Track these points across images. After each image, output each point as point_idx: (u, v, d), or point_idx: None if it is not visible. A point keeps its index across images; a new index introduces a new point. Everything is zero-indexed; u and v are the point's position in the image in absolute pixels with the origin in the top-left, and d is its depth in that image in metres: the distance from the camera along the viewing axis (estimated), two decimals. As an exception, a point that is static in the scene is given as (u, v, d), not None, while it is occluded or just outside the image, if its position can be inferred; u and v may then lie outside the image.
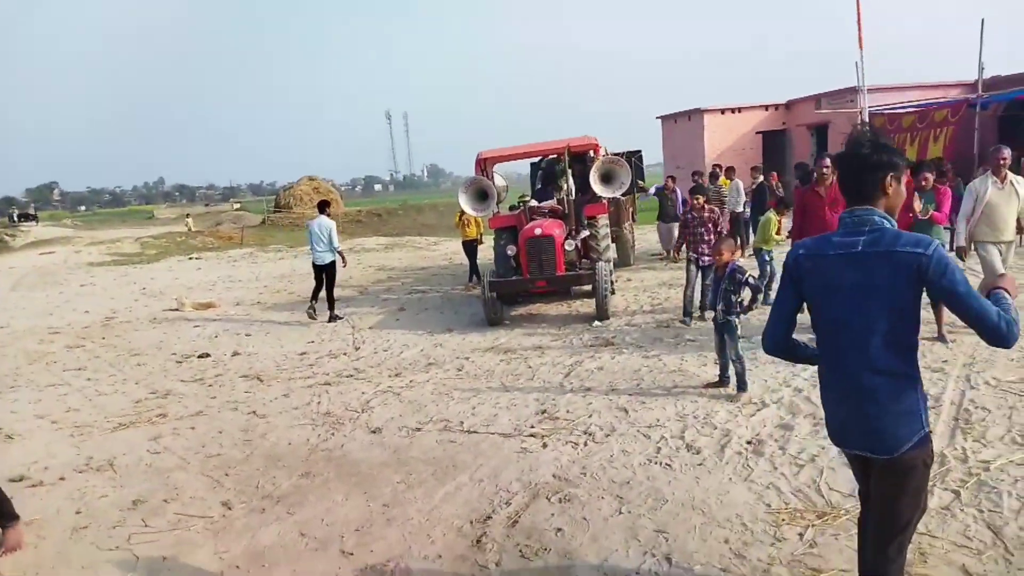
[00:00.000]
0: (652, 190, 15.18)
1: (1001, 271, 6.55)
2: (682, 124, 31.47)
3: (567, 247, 8.89)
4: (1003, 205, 6.69)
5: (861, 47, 16.43)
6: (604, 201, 10.03)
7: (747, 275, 5.94)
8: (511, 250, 9.20)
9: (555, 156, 10.62)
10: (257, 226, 41.30)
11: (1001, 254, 6.82)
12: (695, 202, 8.61)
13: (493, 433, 5.53)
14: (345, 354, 8.81)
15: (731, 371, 6.00)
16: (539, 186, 11.28)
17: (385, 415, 6.23)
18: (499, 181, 10.47)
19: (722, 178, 13.21)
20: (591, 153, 10.32)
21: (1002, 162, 6.66)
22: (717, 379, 6.19)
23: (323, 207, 11.14)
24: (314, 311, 10.85)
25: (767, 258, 9.03)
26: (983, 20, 19.16)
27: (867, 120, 17.45)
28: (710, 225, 8.48)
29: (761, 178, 13.45)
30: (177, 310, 12.94)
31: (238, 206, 79.18)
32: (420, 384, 7.16)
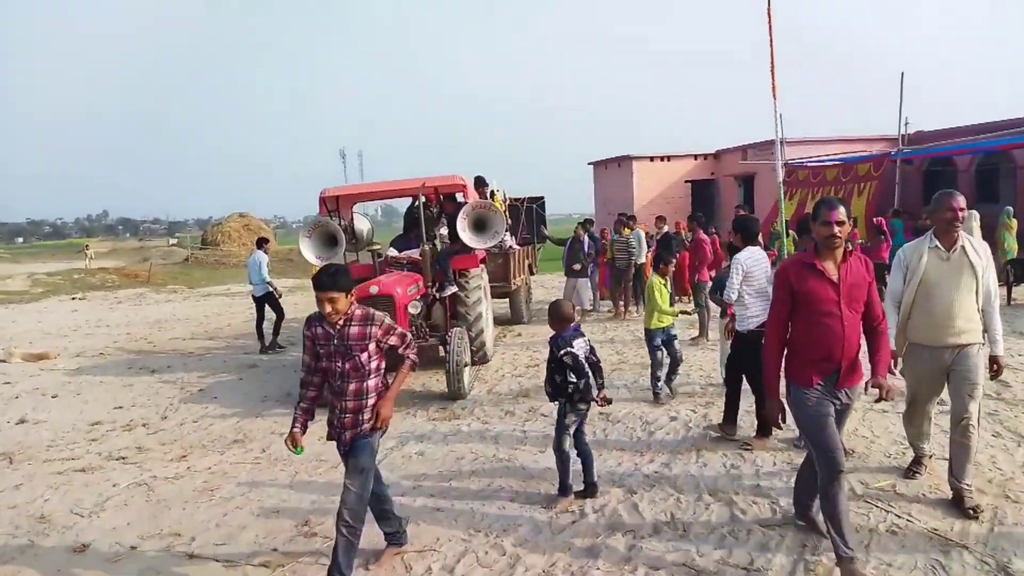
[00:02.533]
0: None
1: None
2: (612, 171, 30.96)
3: (411, 309, 7.23)
4: (947, 285, 4.10)
5: (775, 97, 15.83)
6: (476, 253, 8.64)
7: (565, 350, 4.55)
8: None
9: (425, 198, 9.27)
10: (180, 263, 39.26)
11: (944, 364, 4.19)
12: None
13: (218, 560, 4.17)
14: (144, 425, 7.37)
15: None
16: (403, 233, 9.53)
17: (112, 523, 4.82)
18: (360, 223, 8.96)
19: (626, 228, 12.23)
20: (461, 196, 8.88)
21: (953, 217, 4.03)
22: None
23: (260, 243, 11.75)
24: (263, 342, 11.17)
25: (658, 342, 6.96)
26: (903, 74, 19.02)
27: (784, 173, 16.86)
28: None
29: (666, 227, 12.55)
30: (3, 361, 11.25)
31: (175, 241, 76.37)
32: (195, 473, 5.78)
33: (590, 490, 4.69)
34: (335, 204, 8.22)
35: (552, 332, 4.70)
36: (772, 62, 16.13)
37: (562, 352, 4.55)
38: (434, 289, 8.07)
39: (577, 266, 11.73)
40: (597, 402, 4.62)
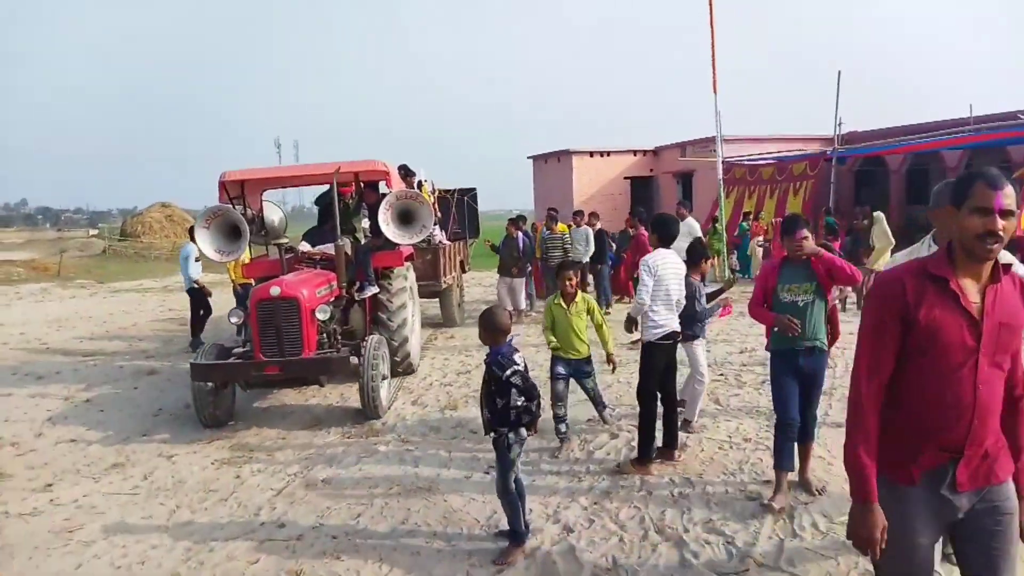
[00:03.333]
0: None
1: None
2: (552, 165, 30.50)
3: (320, 314, 6.28)
4: None
5: (715, 91, 15.64)
6: (401, 248, 7.73)
7: (509, 371, 3.79)
8: (236, 316, 6.53)
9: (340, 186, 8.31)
10: (97, 255, 36.96)
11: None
12: None
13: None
14: (13, 444, 6.37)
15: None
16: (317, 225, 8.41)
17: (-67, 580, 3.92)
18: (271, 213, 8.05)
19: (560, 224, 11.61)
20: (383, 184, 7.95)
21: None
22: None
23: (191, 233, 10.11)
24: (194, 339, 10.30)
25: (560, 372, 5.60)
26: (840, 72, 19.03)
27: (722, 170, 16.64)
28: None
29: (599, 224, 12.01)
30: None
31: (95, 232, 72.51)
32: (57, 507, 4.89)
33: (518, 537, 3.95)
34: (239, 190, 7.23)
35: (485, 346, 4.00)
36: (713, 55, 16.02)
37: (508, 372, 3.79)
38: (353, 290, 7.25)
39: (515, 270, 11.03)
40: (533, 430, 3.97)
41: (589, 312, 5.56)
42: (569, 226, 11.78)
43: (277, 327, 6.16)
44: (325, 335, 6.49)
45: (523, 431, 3.90)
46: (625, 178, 28.90)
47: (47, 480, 5.46)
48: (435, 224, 9.84)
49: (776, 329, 4.30)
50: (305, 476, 5.27)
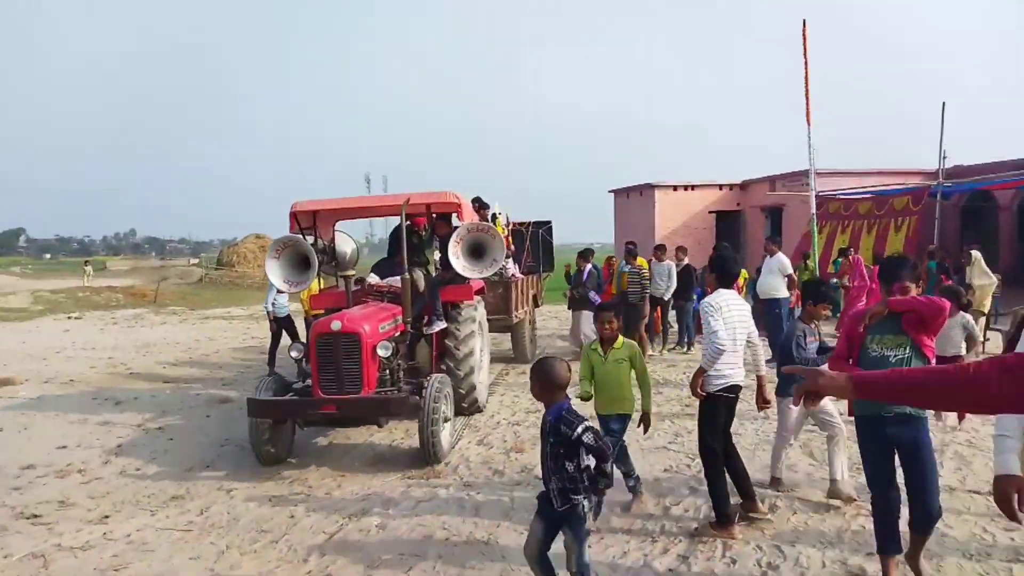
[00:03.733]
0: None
1: None
2: (634, 199, 30.00)
3: (382, 351, 5.94)
4: None
5: (809, 122, 14.84)
6: (471, 282, 7.40)
7: (580, 427, 3.24)
8: (296, 351, 6.34)
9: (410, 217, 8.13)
10: (194, 283, 38.79)
11: None
12: None
13: None
14: (80, 472, 6.40)
15: None
16: (387, 257, 8.26)
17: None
18: (344, 244, 7.81)
19: (639, 258, 11.12)
20: (456, 217, 7.66)
21: None
22: None
23: None
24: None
25: (613, 427, 4.76)
26: (944, 104, 17.87)
27: (815, 204, 15.74)
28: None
29: (687, 260, 11.47)
30: (-37, 386, 10.38)
31: (196, 261, 76.48)
32: (109, 542, 4.78)
33: None
34: (310, 221, 7.16)
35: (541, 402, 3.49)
36: (807, 86, 15.27)
37: (579, 429, 3.22)
38: (421, 324, 7.02)
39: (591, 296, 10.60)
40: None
41: (631, 360, 4.73)
42: (650, 261, 11.29)
43: (337, 363, 5.90)
44: (388, 372, 6.22)
45: (598, 496, 3.41)
46: (710, 212, 28.08)
47: (105, 511, 5.38)
48: (508, 257, 9.61)
49: None
50: (359, 520, 4.99)
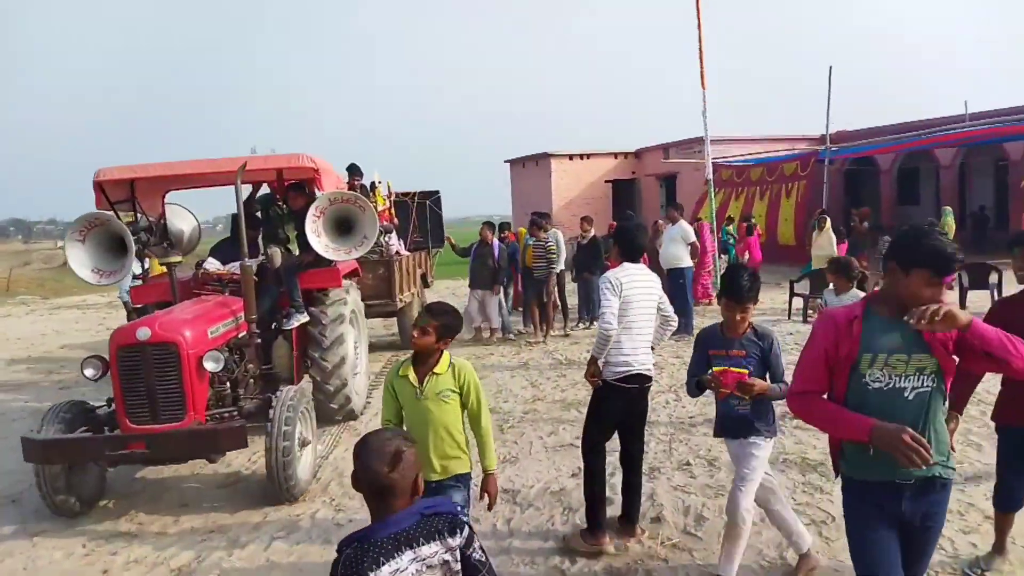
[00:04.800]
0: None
1: None
2: (530, 169, 29.31)
3: (210, 364, 4.54)
4: None
5: (704, 86, 14.49)
6: (339, 264, 6.16)
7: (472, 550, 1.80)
8: (92, 368, 4.68)
9: (268, 189, 6.69)
10: (57, 267, 35.21)
11: None
12: None
13: None
14: None
15: None
16: (229, 237, 6.31)
17: None
18: (180, 221, 6.47)
19: (542, 230, 10.30)
20: (312, 186, 6.10)
21: None
22: None
23: None
24: None
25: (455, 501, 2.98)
26: (831, 68, 18.00)
27: (712, 171, 15.48)
28: None
29: (592, 231, 10.75)
30: None
31: (62, 244, 70.05)
32: None
33: None
34: (127, 193, 5.68)
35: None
36: (700, 48, 14.88)
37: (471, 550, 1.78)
38: (280, 318, 5.82)
39: (496, 286, 9.75)
40: None
41: (464, 390, 3.04)
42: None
43: (147, 383, 4.44)
44: (227, 387, 4.97)
45: None
46: (606, 181, 27.77)
47: None
48: (389, 232, 8.56)
49: (872, 449, 2.23)
50: (195, 567, 3.95)
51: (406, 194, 9.88)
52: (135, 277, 6.55)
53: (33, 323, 15.54)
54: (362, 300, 7.12)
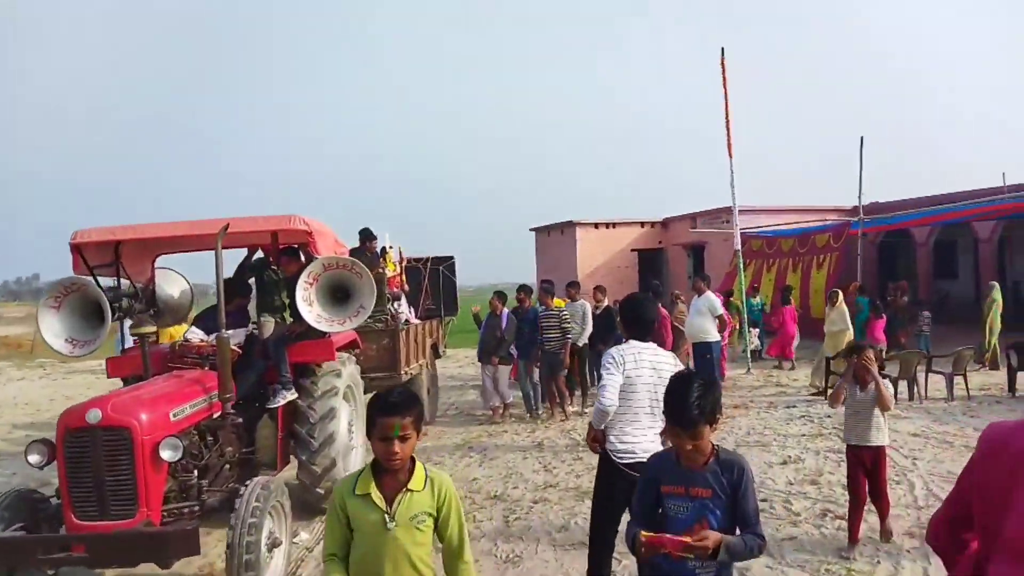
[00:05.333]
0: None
1: None
2: (555, 237, 29.11)
3: (166, 453, 3.98)
4: None
5: (731, 154, 14.21)
6: (331, 337, 5.62)
7: None
8: (36, 454, 4.14)
9: (261, 255, 6.25)
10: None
11: None
12: None
13: None
14: None
15: None
16: (214, 306, 5.51)
17: None
18: (170, 286, 5.99)
19: (556, 298, 9.86)
20: (305, 250, 5.68)
21: None
22: None
23: None
24: None
25: None
26: (862, 138, 17.64)
27: (740, 242, 15.03)
28: None
29: (606, 301, 10.29)
30: None
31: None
32: None
33: None
34: (110, 256, 5.20)
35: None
36: (727, 116, 14.60)
37: None
38: (268, 395, 5.32)
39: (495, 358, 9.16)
40: None
41: (442, 513, 2.31)
42: (564, 301, 10.04)
43: (96, 474, 3.88)
44: (198, 474, 4.43)
45: None
46: (632, 250, 27.42)
47: None
48: (398, 300, 8.16)
49: None
50: None
51: (418, 259, 9.54)
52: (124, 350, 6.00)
53: (44, 387, 15.36)
54: (365, 372, 6.65)
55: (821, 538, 4.87)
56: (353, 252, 8.29)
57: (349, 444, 5.88)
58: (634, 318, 3.77)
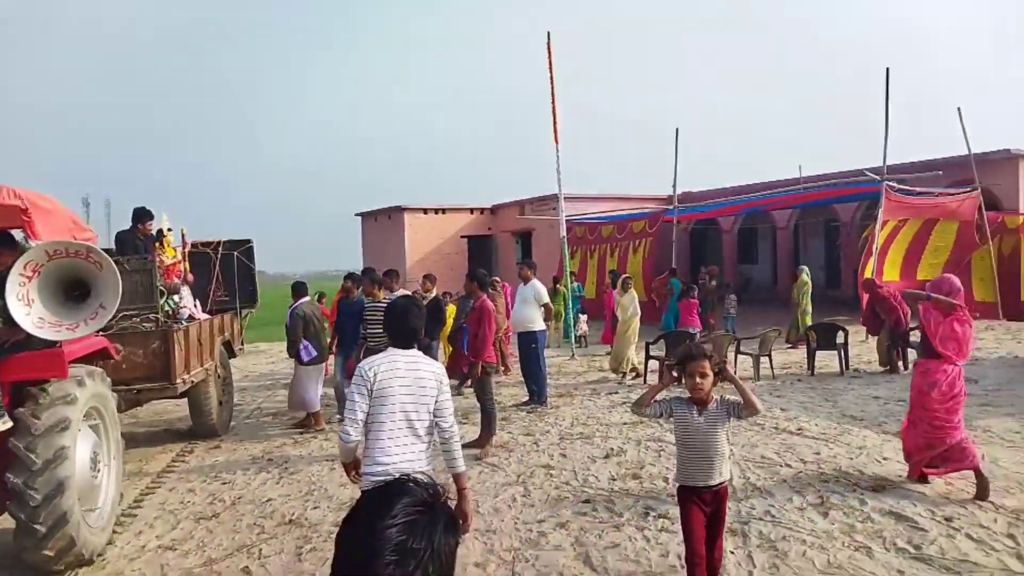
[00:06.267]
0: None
1: None
2: (383, 223, 28.08)
3: None
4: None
5: (557, 141, 14.05)
6: (62, 346, 4.33)
7: None
8: None
9: None
10: None
11: None
12: None
13: None
14: None
15: None
16: None
17: None
18: None
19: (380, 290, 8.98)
20: (25, 238, 4.36)
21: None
22: None
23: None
24: None
25: None
26: (677, 130, 18.37)
27: (565, 228, 15.00)
28: None
29: (435, 291, 9.65)
30: None
31: None
32: None
33: None
34: None
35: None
36: (553, 104, 14.34)
37: None
38: None
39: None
40: None
41: None
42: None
43: None
44: None
45: None
46: (462, 237, 27.03)
47: None
48: (175, 293, 6.98)
49: None
50: None
51: (207, 243, 8.25)
52: None
53: None
54: (129, 383, 5.48)
55: (644, 543, 4.56)
56: (122, 236, 7.02)
57: (94, 482, 4.66)
58: (392, 325, 3.47)
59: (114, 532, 5.13)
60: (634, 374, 10.59)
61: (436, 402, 3.27)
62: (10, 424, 4.04)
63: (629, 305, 10.75)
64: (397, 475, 2.71)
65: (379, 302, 8.41)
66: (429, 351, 9.40)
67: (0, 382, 4.01)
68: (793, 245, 23.64)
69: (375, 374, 3.21)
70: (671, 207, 19.58)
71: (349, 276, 8.75)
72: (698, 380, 3.45)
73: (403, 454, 3.19)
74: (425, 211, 26.79)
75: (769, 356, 10.58)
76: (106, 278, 4.19)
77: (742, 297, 17.76)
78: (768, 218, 23.12)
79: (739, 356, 10.62)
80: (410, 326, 3.43)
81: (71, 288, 4.21)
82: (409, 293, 9.29)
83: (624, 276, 11.96)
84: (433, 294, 9.83)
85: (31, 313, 3.98)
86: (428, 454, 3.31)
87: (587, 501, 5.37)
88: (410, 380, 3.25)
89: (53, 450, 4.03)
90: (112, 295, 4.18)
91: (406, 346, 3.39)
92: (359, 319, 8.10)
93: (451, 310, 10.09)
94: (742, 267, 25.37)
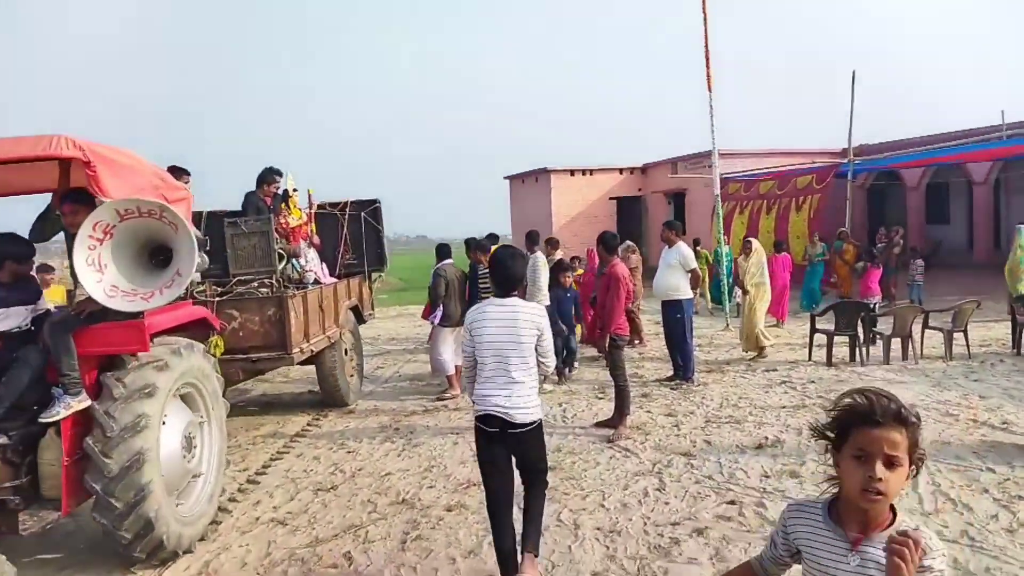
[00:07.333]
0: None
1: None
2: (529, 186, 27.68)
3: None
4: None
5: (710, 88, 12.78)
6: (143, 317, 3.87)
7: None
8: None
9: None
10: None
11: None
12: None
13: None
14: None
15: None
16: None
17: None
18: None
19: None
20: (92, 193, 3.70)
21: None
22: None
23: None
24: None
25: None
26: (854, 72, 16.20)
27: (719, 186, 13.69)
28: None
29: (558, 254, 9.04)
30: None
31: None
32: None
33: None
34: None
35: None
36: (706, 46, 13.16)
37: None
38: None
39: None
40: None
41: None
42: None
43: None
44: None
45: None
46: (611, 198, 26.07)
47: None
48: (296, 257, 6.82)
49: None
50: None
51: (335, 204, 8.03)
52: None
53: None
54: (246, 352, 5.30)
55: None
56: (248, 197, 6.93)
57: (186, 468, 4.23)
58: (497, 275, 3.74)
59: (232, 500, 5.06)
60: (759, 350, 9.36)
61: (537, 341, 3.56)
62: (84, 403, 3.74)
63: (756, 271, 9.48)
64: (485, 411, 3.46)
65: (486, 268, 8.04)
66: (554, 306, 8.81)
67: (79, 356, 3.74)
68: (993, 202, 20.55)
69: (471, 321, 3.65)
70: (845, 161, 17.48)
71: (475, 242, 8.67)
72: (878, 469, 1.57)
73: (492, 394, 3.49)
74: (572, 172, 26.05)
75: (964, 331, 9.01)
76: (181, 239, 3.79)
77: (930, 262, 15.58)
78: (963, 172, 20.19)
79: (926, 331, 9.13)
80: (507, 273, 3.67)
81: (155, 253, 3.93)
82: (541, 255, 8.78)
83: (746, 238, 10.58)
84: (558, 257, 9.54)
85: (103, 280, 3.63)
86: (529, 391, 3.51)
87: (732, 503, 4.60)
88: (504, 324, 3.55)
89: (132, 416, 3.71)
90: (188, 260, 3.77)
91: (505, 294, 3.66)
92: (475, 284, 8.22)
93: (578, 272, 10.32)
94: (931, 228, 22.49)
